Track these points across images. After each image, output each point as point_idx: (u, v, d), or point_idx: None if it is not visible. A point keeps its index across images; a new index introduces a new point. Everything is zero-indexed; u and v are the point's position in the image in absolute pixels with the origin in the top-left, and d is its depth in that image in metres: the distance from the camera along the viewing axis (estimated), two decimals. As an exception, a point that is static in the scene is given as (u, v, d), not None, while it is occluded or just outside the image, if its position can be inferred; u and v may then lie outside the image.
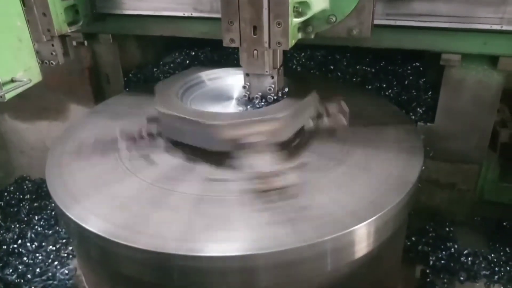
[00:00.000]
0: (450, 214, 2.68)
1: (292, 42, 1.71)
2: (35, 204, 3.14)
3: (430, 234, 2.59)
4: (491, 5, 2.02)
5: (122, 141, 1.97)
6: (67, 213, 1.66)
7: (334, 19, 1.81)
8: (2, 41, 1.70)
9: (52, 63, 2.20)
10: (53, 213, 3.00)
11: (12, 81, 1.74)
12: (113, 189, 1.75)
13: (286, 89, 1.93)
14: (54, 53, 2.18)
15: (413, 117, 2.50)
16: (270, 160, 1.80)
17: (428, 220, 2.67)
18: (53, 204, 2.92)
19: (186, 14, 2.38)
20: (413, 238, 2.55)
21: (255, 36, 1.69)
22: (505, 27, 2.03)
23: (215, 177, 1.76)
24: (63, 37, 2.23)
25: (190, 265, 1.47)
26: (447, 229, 2.63)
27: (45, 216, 3.00)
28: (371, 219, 1.55)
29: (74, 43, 2.66)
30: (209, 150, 1.79)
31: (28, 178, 3.46)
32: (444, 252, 2.48)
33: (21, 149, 3.45)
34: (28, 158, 3.46)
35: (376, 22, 1.96)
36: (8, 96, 1.73)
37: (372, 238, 1.60)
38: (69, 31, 2.20)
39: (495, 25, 2.05)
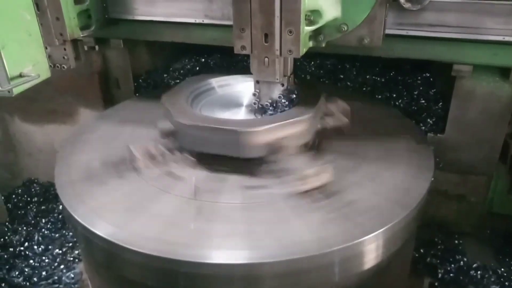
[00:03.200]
0: (459, 226, 2.65)
1: (303, 50, 1.71)
2: (43, 207, 3.15)
3: (439, 246, 2.57)
4: (501, 16, 2.01)
5: (141, 159, 1.85)
6: (75, 216, 1.66)
7: (345, 28, 1.81)
8: (11, 33, 1.68)
9: (63, 67, 2.22)
10: (60, 216, 3.01)
11: (21, 76, 1.73)
12: (150, 210, 1.67)
13: (294, 96, 1.91)
14: (66, 57, 2.20)
15: (423, 127, 2.49)
16: (303, 161, 1.80)
17: (436, 232, 2.64)
18: (60, 207, 2.95)
19: (198, 21, 2.39)
20: (422, 250, 2.52)
21: (266, 44, 1.70)
22: (517, 39, 2.03)
23: (252, 184, 1.75)
24: (75, 42, 2.26)
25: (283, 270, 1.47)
26: (456, 241, 2.61)
27: (52, 219, 3.01)
28: (380, 231, 1.53)
29: (86, 47, 2.68)
30: (237, 158, 1.75)
31: (36, 180, 3.48)
32: (453, 265, 2.45)
33: (29, 151, 3.47)
34: (36, 160, 3.48)
35: (387, 31, 1.96)
36: (16, 91, 1.70)
37: (381, 249, 1.58)
38: (81, 35, 2.22)
39: (506, 36, 2.04)
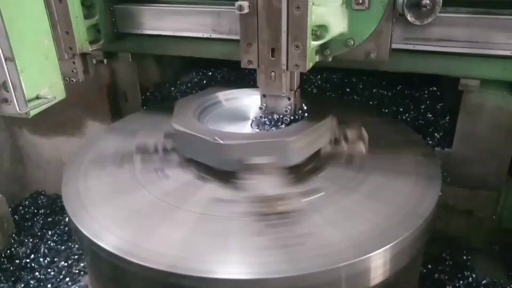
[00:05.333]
0: (468, 241, 2.62)
1: (309, 65, 1.72)
2: (49, 219, 3.16)
3: (447, 262, 2.53)
4: (509, 31, 2.00)
5: (137, 154, 1.99)
6: (81, 229, 1.66)
7: (352, 42, 1.82)
8: (30, 58, 1.73)
9: (72, 80, 2.25)
10: (66, 228, 3.01)
11: (37, 97, 1.77)
12: (123, 203, 1.76)
13: (304, 111, 1.92)
14: (74, 71, 2.24)
15: (430, 142, 2.47)
16: (276, 184, 1.76)
17: (444, 247, 2.61)
18: (66, 219, 2.95)
19: (205, 35, 2.41)
20: (429, 266, 2.48)
21: (273, 58, 1.71)
22: (525, 54, 2.02)
23: (221, 196, 1.76)
24: (84, 55, 2.29)
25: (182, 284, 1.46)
26: (464, 257, 2.57)
27: (58, 231, 3.02)
28: (388, 246, 1.51)
29: (94, 61, 2.71)
30: (217, 169, 1.81)
31: (43, 192, 3.50)
32: (461, 281, 2.41)
33: (37, 163, 3.50)
34: (44, 172, 3.50)
35: (394, 46, 1.96)
36: (32, 112, 1.76)
37: (388, 265, 1.56)
38: (90, 49, 2.25)
39: (514, 51, 2.04)
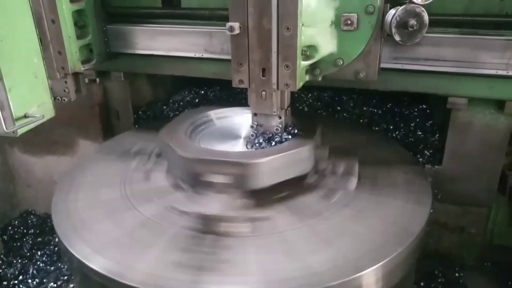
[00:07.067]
0: (460, 258, 2.62)
1: (299, 84, 1.74)
2: (39, 239, 3.12)
3: (439, 279, 2.52)
4: (496, 51, 2.04)
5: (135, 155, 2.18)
6: (71, 250, 1.65)
7: (341, 62, 1.85)
8: (19, 77, 1.73)
9: (64, 100, 2.25)
10: (56, 248, 2.97)
11: (25, 116, 1.76)
12: (113, 224, 1.77)
13: (295, 130, 1.93)
14: (66, 90, 2.23)
15: (421, 159, 2.49)
16: (227, 205, 1.76)
17: (437, 264, 2.61)
18: (56, 240, 2.92)
19: (197, 55, 2.44)
20: (422, 283, 2.48)
21: (263, 78, 1.73)
22: (511, 73, 2.05)
23: (177, 206, 1.79)
24: (76, 75, 2.29)
25: None
26: (457, 274, 2.57)
27: (48, 252, 2.97)
28: (379, 265, 1.51)
29: (87, 80, 2.72)
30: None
31: (33, 212, 3.45)
32: (454, 299, 2.41)
33: (28, 182, 3.47)
34: (34, 192, 3.47)
35: (383, 65, 2.00)
36: (20, 131, 1.74)
37: (380, 283, 1.56)
38: (82, 69, 2.26)
39: (500, 70, 2.07)
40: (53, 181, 3.22)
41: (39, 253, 2.96)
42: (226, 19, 1.69)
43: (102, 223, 1.77)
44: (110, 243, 1.67)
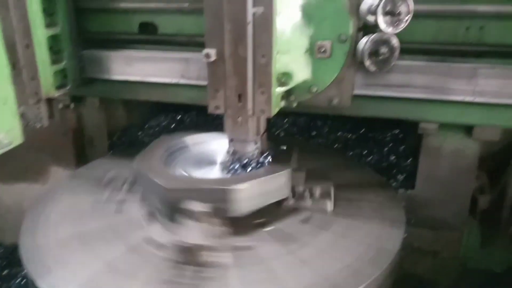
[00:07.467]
0: (435, 282, 2.64)
1: (275, 110, 1.77)
2: (5, 271, 2.99)
3: (416, 304, 2.53)
4: (463, 78, 2.11)
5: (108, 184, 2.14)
6: (39, 284, 1.58)
7: (315, 89, 1.89)
8: None
9: (36, 125, 2.20)
10: (23, 281, 2.85)
11: (-9, 142, 1.72)
12: (85, 257, 1.71)
13: (269, 157, 1.93)
14: (39, 116, 2.19)
15: (394, 183, 2.53)
16: (206, 233, 1.73)
17: (413, 289, 2.62)
18: (24, 272, 2.80)
19: (174, 81, 2.44)
20: (398, 308, 2.47)
21: (239, 104, 1.74)
22: (477, 99, 2.13)
23: (155, 238, 1.77)
24: (49, 100, 2.25)
25: None
26: (433, 298, 2.58)
27: (15, 285, 2.84)
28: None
29: (60, 105, 2.68)
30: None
31: (0, 243, 3.31)
32: (430, 324, 2.41)
33: (-4, 211, 3.34)
34: (2, 221, 3.33)
35: (355, 92, 2.05)
36: None
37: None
38: (56, 94, 2.23)
39: (468, 96, 2.14)
40: (22, 210, 3.10)
41: (5, 286, 2.82)
42: (203, 45, 1.70)
43: (75, 258, 1.71)
44: (85, 279, 1.61)
